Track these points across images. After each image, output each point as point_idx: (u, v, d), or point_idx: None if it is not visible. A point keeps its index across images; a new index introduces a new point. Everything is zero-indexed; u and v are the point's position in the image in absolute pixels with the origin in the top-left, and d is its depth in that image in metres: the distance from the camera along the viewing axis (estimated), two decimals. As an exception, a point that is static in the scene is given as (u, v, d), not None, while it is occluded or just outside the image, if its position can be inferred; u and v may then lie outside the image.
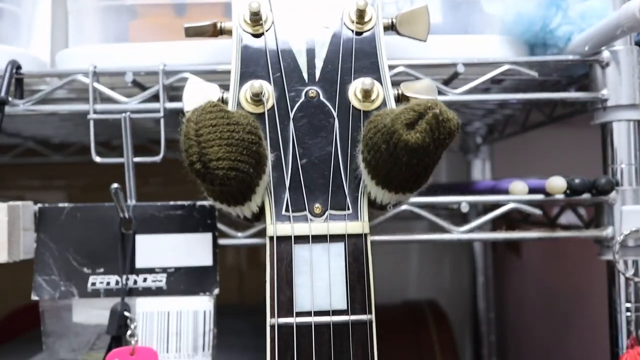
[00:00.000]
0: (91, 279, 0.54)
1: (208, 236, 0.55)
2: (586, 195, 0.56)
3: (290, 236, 0.43)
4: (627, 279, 0.55)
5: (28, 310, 1.09)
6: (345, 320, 0.42)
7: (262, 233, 0.58)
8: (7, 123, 0.86)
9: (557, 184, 0.54)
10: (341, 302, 0.42)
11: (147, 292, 0.55)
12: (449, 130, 0.38)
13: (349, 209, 0.43)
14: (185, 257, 0.55)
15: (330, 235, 0.43)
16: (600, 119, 0.58)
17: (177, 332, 0.54)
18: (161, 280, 0.55)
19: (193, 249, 0.55)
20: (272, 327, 0.42)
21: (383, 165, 0.40)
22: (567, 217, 0.92)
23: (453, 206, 0.59)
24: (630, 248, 0.56)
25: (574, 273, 0.91)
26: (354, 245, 0.43)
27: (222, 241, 0.57)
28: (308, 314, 0.42)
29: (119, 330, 0.52)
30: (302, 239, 0.43)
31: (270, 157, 0.43)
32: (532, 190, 0.58)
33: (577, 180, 0.55)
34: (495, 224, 1.01)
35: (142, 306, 0.54)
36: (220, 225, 0.56)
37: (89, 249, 0.55)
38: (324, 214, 0.43)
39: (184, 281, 0.55)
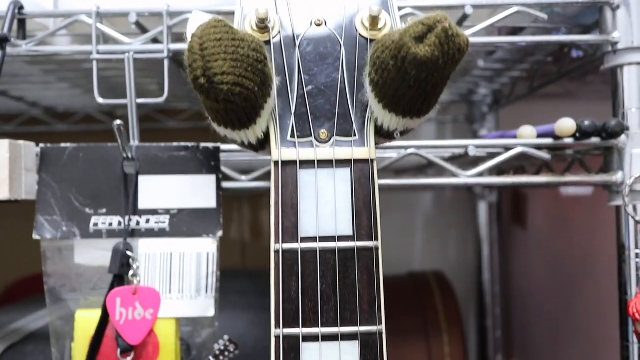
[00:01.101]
0: (93, 219, 0.54)
1: (212, 178, 0.55)
2: (595, 140, 0.55)
3: (296, 161, 0.42)
4: (637, 223, 0.54)
5: (28, 282, 1.09)
6: (351, 246, 0.41)
7: (266, 176, 0.57)
8: (12, 84, 0.86)
9: (566, 124, 0.53)
10: (347, 228, 0.42)
11: (150, 233, 0.54)
12: (458, 46, 0.38)
13: (355, 135, 0.43)
14: (188, 199, 0.54)
15: (336, 161, 0.42)
16: (610, 63, 0.57)
17: (179, 274, 0.54)
18: (164, 221, 0.54)
19: (197, 191, 0.55)
20: (277, 252, 0.41)
21: (391, 83, 0.39)
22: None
23: (460, 152, 0.58)
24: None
25: (579, 242, 0.91)
26: (361, 171, 0.42)
27: (226, 184, 0.56)
28: (313, 239, 0.41)
29: (121, 269, 0.52)
30: (307, 164, 0.42)
31: (275, 80, 0.42)
32: (540, 136, 0.57)
33: (586, 122, 0.54)
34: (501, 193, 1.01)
35: (144, 247, 0.54)
36: (224, 169, 0.56)
37: (91, 190, 0.54)
38: (329, 139, 0.42)
39: (187, 223, 0.54)
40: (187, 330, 0.54)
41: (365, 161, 0.42)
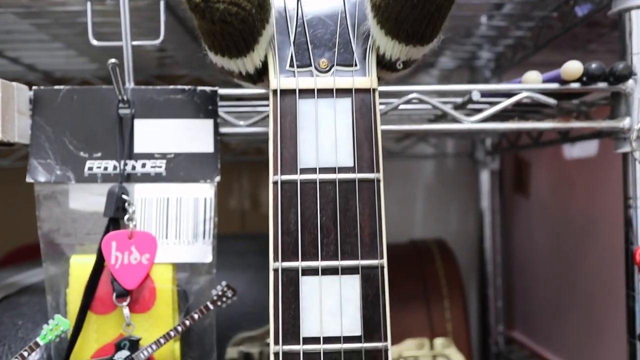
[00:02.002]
0: (88, 163, 0.53)
1: (209, 122, 0.53)
2: (602, 85, 0.54)
3: (295, 90, 0.41)
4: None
5: (25, 250, 1.08)
6: (351, 178, 0.40)
7: (264, 122, 0.56)
8: (6, 43, 0.85)
9: (573, 67, 0.52)
10: (347, 160, 0.40)
11: (146, 178, 0.53)
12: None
13: (356, 65, 0.41)
14: (185, 143, 0.53)
15: (336, 90, 0.41)
16: (618, 7, 0.55)
17: (176, 219, 0.52)
18: (160, 166, 0.53)
19: (193, 135, 0.53)
20: (275, 184, 0.40)
21: (394, 5, 0.38)
22: (582, 148, 0.90)
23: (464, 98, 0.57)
24: (648, 138, 0.54)
25: (582, 208, 0.89)
26: (362, 100, 0.41)
27: (223, 129, 0.55)
28: (313, 170, 0.40)
29: (116, 212, 0.51)
30: (307, 94, 0.41)
31: (274, 6, 0.41)
32: (546, 82, 0.55)
33: (594, 65, 0.52)
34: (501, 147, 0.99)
35: (140, 192, 0.53)
36: (222, 114, 0.54)
37: (85, 133, 0.53)
38: (330, 69, 0.41)
39: (184, 168, 0.53)
40: (184, 276, 0.53)
41: (367, 91, 0.41)
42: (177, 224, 0.52)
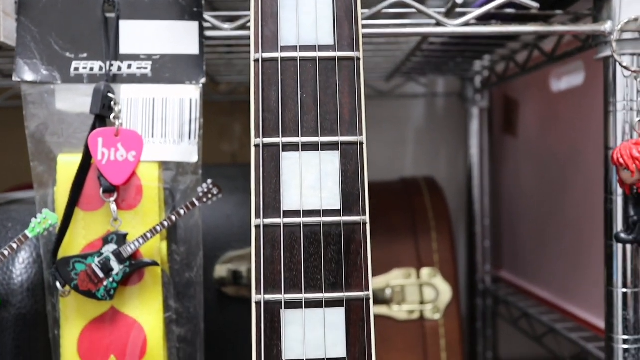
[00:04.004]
0: (74, 64, 0.53)
1: (194, 25, 0.54)
2: (585, -13, 0.55)
3: (276, -31, 0.41)
4: (626, 70, 0.54)
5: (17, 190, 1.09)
6: (332, 56, 0.41)
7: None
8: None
9: (555, -33, 0.52)
10: (328, 38, 0.41)
11: (132, 79, 0.53)
12: None
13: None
14: (170, 45, 0.54)
15: (317, -30, 0.41)
16: None
17: (162, 119, 0.53)
18: (146, 67, 0.53)
19: (179, 37, 0.54)
20: (257, 61, 0.41)
21: None
22: (569, 79, 0.91)
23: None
24: (629, 41, 0.54)
25: (569, 141, 0.90)
26: (342, -19, 0.41)
27: (209, 33, 0.55)
28: (293, 48, 0.41)
29: (102, 110, 0.51)
30: (287, -26, 0.41)
31: None
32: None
33: (575, -33, 0.53)
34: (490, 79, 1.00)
35: (126, 93, 0.53)
36: (207, 17, 0.55)
37: (71, 34, 0.53)
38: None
39: (169, 69, 0.53)
40: (171, 175, 0.53)
41: (347, -28, 0.41)
42: (162, 124, 0.53)
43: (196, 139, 0.53)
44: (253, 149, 0.41)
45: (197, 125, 0.53)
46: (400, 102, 1.12)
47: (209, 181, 0.52)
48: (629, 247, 0.56)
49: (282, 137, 0.40)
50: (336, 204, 0.40)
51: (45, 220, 0.50)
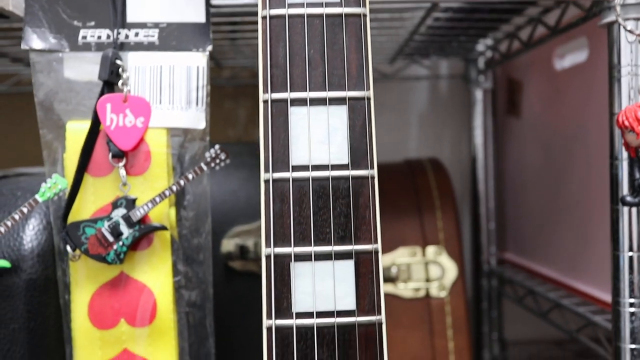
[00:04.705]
0: (82, 32, 0.54)
1: (200, -7, 0.54)
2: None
3: None
4: (631, 34, 0.54)
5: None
6: (338, 12, 0.41)
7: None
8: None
9: None
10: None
11: (139, 47, 0.54)
12: None
13: None
14: (177, 13, 0.54)
15: None
16: None
17: (170, 86, 0.54)
18: (153, 35, 0.54)
19: (186, 5, 0.54)
20: (264, 18, 0.41)
21: None
22: (572, 57, 0.91)
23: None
24: (632, 6, 0.54)
25: (573, 118, 0.90)
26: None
27: (215, 1, 0.55)
28: (300, 5, 0.41)
29: (110, 76, 0.52)
30: None
31: None
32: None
33: None
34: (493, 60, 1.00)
35: (134, 60, 0.54)
36: (213, -15, 0.55)
37: (79, 2, 0.54)
38: None
39: (176, 37, 0.54)
40: (179, 141, 0.54)
41: None
42: (170, 91, 0.53)
43: (204, 106, 0.54)
44: (261, 105, 0.41)
45: (204, 92, 0.54)
46: (403, 84, 1.13)
47: (217, 146, 0.53)
48: (634, 210, 0.56)
49: (290, 92, 0.41)
50: (344, 159, 0.41)
51: (55, 185, 0.50)
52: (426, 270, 0.90)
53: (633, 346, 0.56)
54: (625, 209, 0.56)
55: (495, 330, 1.11)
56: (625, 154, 0.56)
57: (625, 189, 0.56)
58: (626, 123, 0.53)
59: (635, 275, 0.56)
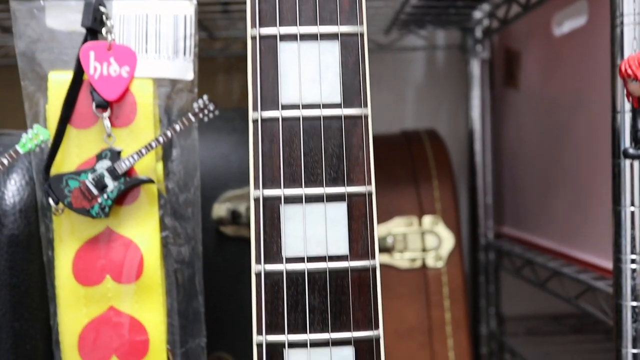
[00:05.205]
0: (64, -21, 0.52)
1: (188, -61, 0.52)
2: None
3: None
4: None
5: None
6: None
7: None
8: None
9: None
10: None
11: (124, -6, 0.52)
12: None
13: None
14: (163, -40, 0.52)
15: None
16: None
17: (156, 34, 0.52)
18: (138, -18, 0.52)
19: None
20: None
21: None
22: (571, 22, 0.89)
23: None
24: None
25: (570, 83, 0.89)
26: None
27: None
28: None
29: (94, 23, 0.50)
30: None
31: None
32: None
33: None
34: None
35: (118, 9, 0.52)
36: None
37: (61, -52, 0.52)
38: None
39: (162, -16, 0.52)
40: (166, 91, 0.52)
41: None
42: (156, 40, 0.51)
43: (191, 56, 0.52)
44: (249, 41, 0.39)
45: (192, 42, 0.52)
46: (399, 56, 1.11)
47: (205, 96, 0.51)
48: (636, 164, 0.54)
49: (280, 27, 0.39)
50: (336, 98, 0.39)
51: (36, 135, 0.48)
52: (422, 240, 0.89)
53: (634, 304, 0.54)
54: (627, 162, 0.54)
55: (492, 305, 1.10)
56: (627, 106, 0.54)
57: (627, 141, 0.54)
58: (629, 71, 0.51)
59: (637, 231, 0.54)
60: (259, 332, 0.38)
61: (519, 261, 0.95)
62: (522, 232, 1.04)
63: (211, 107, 0.51)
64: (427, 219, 0.89)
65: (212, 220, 0.71)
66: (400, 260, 0.88)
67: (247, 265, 0.41)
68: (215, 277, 0.68)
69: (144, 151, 0.49)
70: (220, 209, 0.71)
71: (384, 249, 0.87)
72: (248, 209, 0.71)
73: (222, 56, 1.06)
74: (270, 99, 0.39)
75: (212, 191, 0.72)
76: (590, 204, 0.82)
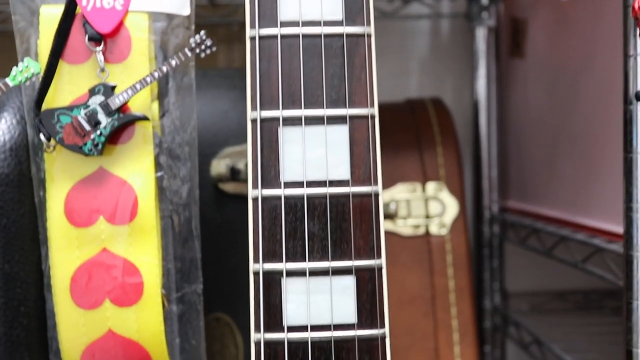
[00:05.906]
0: None
1: None
2: None
3: None
4: None
5: None
6: None
7: None
8: None
9: None
10: None
11: None
12: None
13: None
14: None
15: None
16: None
17: (152, -32, 0.50)
18: None
19: None
20: None
21: None
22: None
23: None
24: None
25: (579, 49, 0.87)
26: None
27: None
28: None
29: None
30: None
31: None
32: None
33: None
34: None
35: (113, -59, 0.50)
36: None
37: None
38: None
39: None
40: (161, 26, 0.50)
41: None
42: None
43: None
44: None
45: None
46: (404, 25, 1.09)
47: (202, 32, 0.49)
48: (648, 109, 0.52)
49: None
50: (338, 14, 0.37)
51: (27, 68, 0.46)
52: (426, 207, 0.87)
53: (646, 254, 0.52)
54: (638, 108, 0.52)
55: (496, 280, 1.08)
56: (639, 49, 0.52)
57: (639, 85, 0.52)
58: (642, 9, 0.49)
59: (648, 177, 0.52)
60: (256, 260, 0.36)
61: (523, 231, 0.93)
62: (528, 204, 1.02)
63: (208, 42, 0.49)
64: (431, 186, 0.88)
65: (211, 177, 0.69)
66: (403, 227, 0.86)
67: (246, 224, 0.39)
68: (214, 236, 0.67)
69: (138, 86, 0.47)
70: (219, 165, 0.69)
71: (387, 216, 0.85)
72: (247, 165, 0.69)
73: (224, 23, 1.04)
74: (268, 15, 0.37)
75: (211, 148, 0.70)
76: (600, 170, 0.80)
